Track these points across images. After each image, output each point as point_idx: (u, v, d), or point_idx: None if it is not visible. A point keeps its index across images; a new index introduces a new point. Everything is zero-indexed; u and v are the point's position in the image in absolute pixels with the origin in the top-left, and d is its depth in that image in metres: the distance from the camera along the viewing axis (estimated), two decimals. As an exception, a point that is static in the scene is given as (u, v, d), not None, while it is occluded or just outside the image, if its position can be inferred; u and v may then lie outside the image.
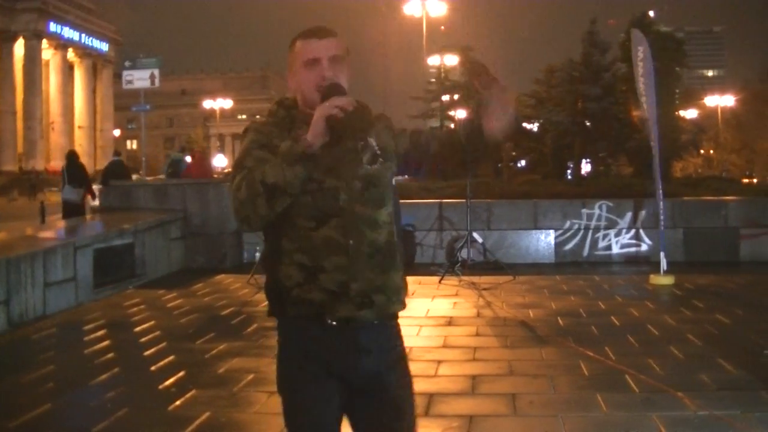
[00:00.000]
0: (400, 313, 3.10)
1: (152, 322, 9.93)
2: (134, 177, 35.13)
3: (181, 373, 7.37)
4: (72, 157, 19.60)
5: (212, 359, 7.95)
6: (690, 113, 50.21)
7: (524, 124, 42.05)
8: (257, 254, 14.35)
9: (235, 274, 13.83)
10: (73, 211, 17.96)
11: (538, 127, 41.81)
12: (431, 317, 9.88)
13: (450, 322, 9.72)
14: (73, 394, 6.88)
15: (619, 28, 42.45)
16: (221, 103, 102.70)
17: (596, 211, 15.76)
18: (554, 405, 6.30)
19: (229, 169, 38.74)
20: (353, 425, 3.09)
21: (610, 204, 15.80)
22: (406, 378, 3.12)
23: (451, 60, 46.61)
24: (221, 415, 6.11)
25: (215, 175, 33.64)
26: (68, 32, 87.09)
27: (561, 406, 6.27)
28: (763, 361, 7.58)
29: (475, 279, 12.81)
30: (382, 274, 2.97)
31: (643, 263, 14.69)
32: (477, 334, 8.97)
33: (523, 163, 46.56)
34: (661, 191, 13.09)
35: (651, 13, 45.77)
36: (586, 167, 44.14)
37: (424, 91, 52.63)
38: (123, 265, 12.81)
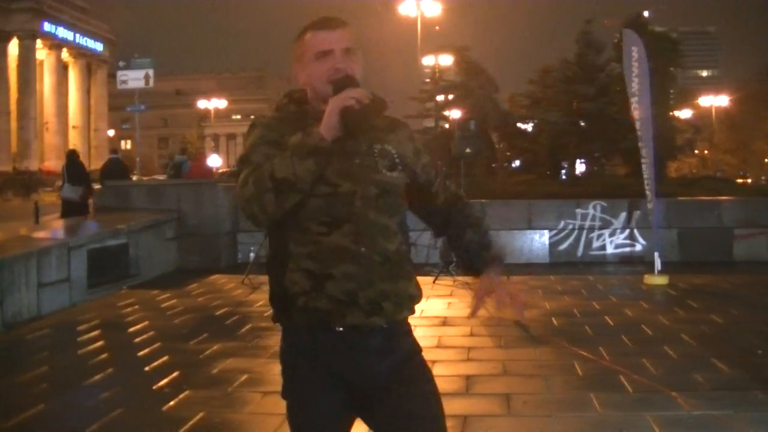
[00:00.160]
0: None
1: (146, 323, 9.92)
2: (135, 177, 35.15)
3: (175, 374, 7.36)
4: (72, 156, 19.64)
5: (206, 359, 7.94)
6: (685, 113, 50.25)
7: (519, 124, 42.08)
8: (251, 255, 14.35)
9: (229, 275, 13.82)
10: (73, 209, 17.93)
11: (533, 127, 41.76)
12: (425, 317, 9.87)
13: (444, 322, 9.73)
14: (67, 395, 6.87)
15: (614, 28, 42.40)
16: (216, 103, 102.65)
17: (590, 211, 15.77)
18: (548, 405, 6.30)
19: (224, 170, 38.77)
20: (375, 429, 2.94)
21: (605, 204, 15.81)
22: (425, 374, 3.00)
23: (446, 60, 46.55)
24: (215, 416, 6.10)
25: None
26: (62, 32, 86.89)
27: (555, 406, 6.27)
28: (757, 361, 7.59)
29: (470, 279, 12.77)
30: (392, 283, 2.84)
31: (638, 263, 14.70)
32: (471, 335, 8.97)
33: (517, 163, 46.53)
34: (654, 191, 13.11)
35: (646, 14, 45.84)
36: (580, 167, 44.12)
37: (419, 91, 52.59)
38: (117, 265, 12.80)
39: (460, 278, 12.88)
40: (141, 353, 8.27)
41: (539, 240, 15.81)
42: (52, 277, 10.84)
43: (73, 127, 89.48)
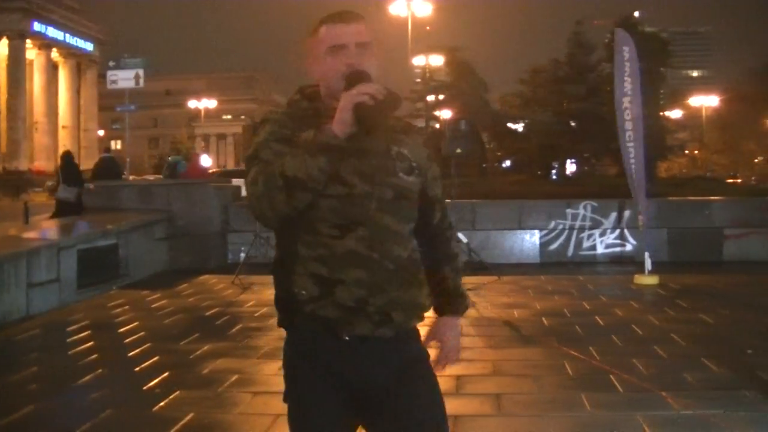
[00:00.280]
0: None
1: (136, 323, 9.90)
2: (131, 178, 35.10)
3: (166, 374, 7.34)
4: (67, 157, 19.82)
5: (196, 360, 7.92)
6: (675, 114, 50.40)
7: (509, 124, 42.14)
8: (242, 255, 14.35)
9: (219, 275, 13.79)
10: (68, 210, 17.94)
11: (524, 128, 41.87)
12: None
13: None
14: (57, 396, 6.84)
15: (604, 28, 42.48)
16: (206, 103, 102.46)
17: (581, 211, 15.79)
18: (539, 405, 6.31)
19: (214, 170, 38.68)
20: None
21: (595, 204, 15.83)
22: (430, 380, 2.90)
23: (437, 60, 46.57)
24: (205, 416, 6.09)
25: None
26: (52, 32, 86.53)
27: (546, 405, 6.28)
28: (747, 361, 7.60)
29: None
30: (403, 291, 2.76)
31: (628, 263, 14.70)
32: (461, 335, 8.93)
33: (508, 163, 46.61)
34: (645, 191, 13.14)
35: (636, 14, 45.97)
36: (571, 167, 44.21)
37: (410, 91, 52.61)
38: (107, 265, 12.78)
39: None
40: (131, 354, 8.25)
41: (530, 240, 15.83)
42: (42, 277, 10.82)
43: (63, 127, 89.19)
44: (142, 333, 9.30)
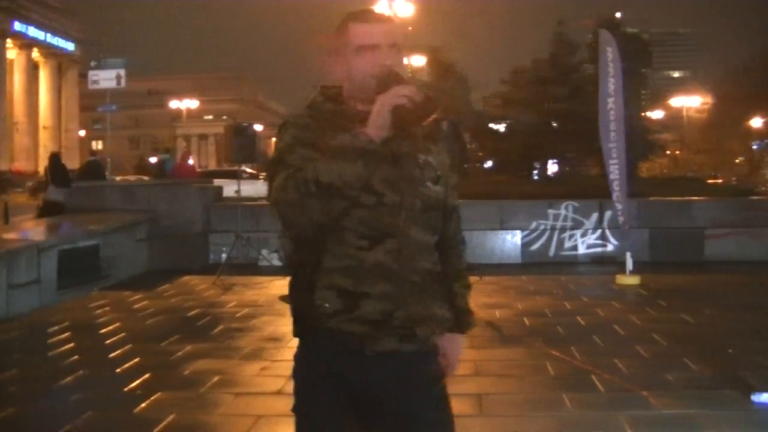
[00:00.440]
0: None
1: (118, 324, 9.86)
2: (117, 178, 35.12)
3: (147, 375, 7.32)
4: (55, 158, 19.85)
5: (178, 361, 7.90)
6: (656, 114, 50.59)
7: (491, 125, 42.15)
8: (223, 255, 14.34)
9: (201, 276, 13.76)
10: (57, 211, 17.89)
11: (506, 128, 41.86)
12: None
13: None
14: (37, 398, 6.80)
15: (586, 29, 42.56)
16: (188, 104, 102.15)
17: (562, 212, 15.83)
18: (521, 405, 6.32)
19: (198, 170, 38.55)
20: None
21: (576, 204, 15.87)
22: (444, 401, 2.85)
23: (419, 61, 46.56)
24: (187, 417, 6.07)
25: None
26: (33, 31, 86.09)
27: (527, 406, 6.29)
28: (727, 360, 7.63)
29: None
30: (427, 305, 2.69)
31: (609, 263, 14.73)
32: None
33: (490, 163, 46.61)
34: (626, 191, 13.18)
35: (618, 15, 46.13)
36: (553, 168, 44.28)
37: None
38: (88, 266, 12.71)
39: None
40: (112, 355, 8.22)
41: (511, 240, 15.85)
42: (22, 278, 10.76)
43: (44, 127, 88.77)
44: (123, 334, 9.27)
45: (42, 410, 6.51)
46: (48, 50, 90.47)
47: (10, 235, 13.57)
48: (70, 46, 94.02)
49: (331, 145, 2.48)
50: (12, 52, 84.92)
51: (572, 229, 15.81)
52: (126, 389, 6.90)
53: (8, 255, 10.63)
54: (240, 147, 14.61)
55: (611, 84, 13.16)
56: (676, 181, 39.29)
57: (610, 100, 13.10)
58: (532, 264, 15.33)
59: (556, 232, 15.80)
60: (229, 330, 9.36)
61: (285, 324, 9.29)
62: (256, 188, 25.84)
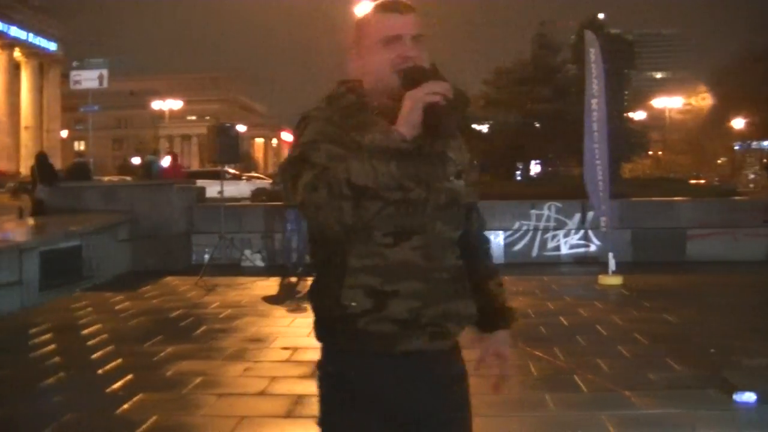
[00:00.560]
0: None
1: (100, 325, 9.82)
2: (105, 179, 35.09)
3: (129, 377, 7.29)
4: (42, 157, 19.83)
5: (160, 362, 7.88)
6: (639, 115, 50.78)
7: (474, 125, 42.18)
8: (206, 256, 14.29)
9: (184, 276, 13.73)
10: (45, 210, 17.86)
11: (488, 128, 41.92)
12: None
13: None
14: (18, 399, 6.77)
15: (569, 29, 42.70)
16: (171, 104, 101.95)
17: (545, 212, 15.87)
18: (503, 405, 6.30)
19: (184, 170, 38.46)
20: None
21: (559, 205, 15.91)
22: (466, 401, 2.86)
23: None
24: (169, 419, 6.05)
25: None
26: (15, 31, 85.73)
27: (510, 406, 6.27)
28: (709, 360, 7.65)
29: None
30: (455, 301, 2.61)
31: (592, 264, 14.78)
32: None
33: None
34: (609, 192, 13.22)
35: (601, 16, 46.26)
36: (535, 168, 44.41)
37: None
38: (70, 267, 12.66)
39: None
40: (94, 356, 8.18)
41: (494, 241, 15.84)
42: (4, 279, 10.71)
43: (25, 127, 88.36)
44: (105, 335, 9.23)
45: (23, 412, 6.47)
46: (30, 50, 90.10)
47: (-8, 236, 13.50)
48: (52, 46, 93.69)
49: (364, 144, 2.35)
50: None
51: (555, 229, 15.86)
52: (108, 390, 6.87)
53: (-11, 256, 10.58)
54: (223, 148, 14.57)
55: (594, 85, 13.19)
56: (659, 181, 39.43)
57: (594, 101, 13.14)
58: (515, 264, 15.33)
59: (539, 233, 15.84)
60: (211, 331, 9.33)
61: (268, 325, 9.28)
62: (239, 189, 25.83)
